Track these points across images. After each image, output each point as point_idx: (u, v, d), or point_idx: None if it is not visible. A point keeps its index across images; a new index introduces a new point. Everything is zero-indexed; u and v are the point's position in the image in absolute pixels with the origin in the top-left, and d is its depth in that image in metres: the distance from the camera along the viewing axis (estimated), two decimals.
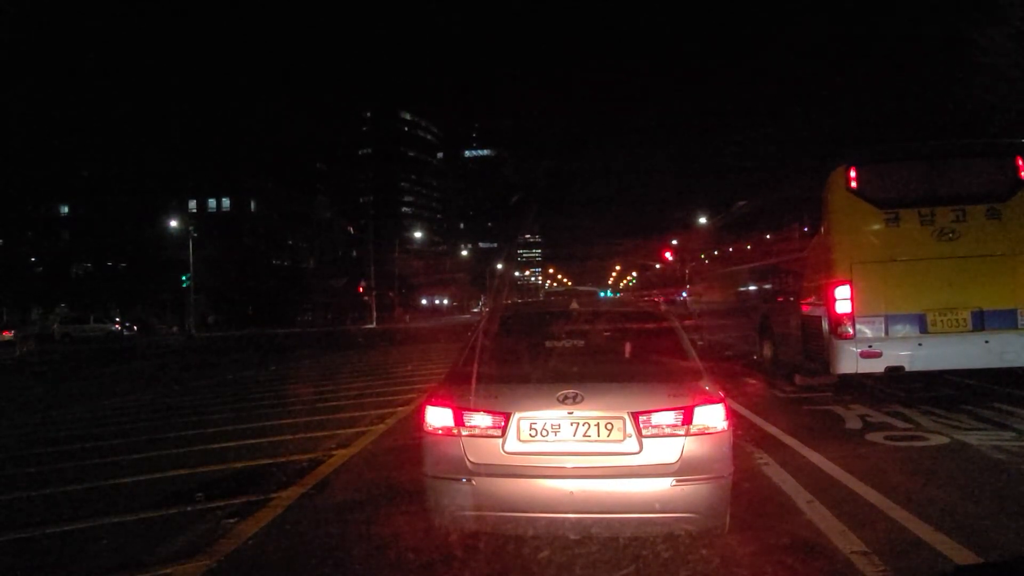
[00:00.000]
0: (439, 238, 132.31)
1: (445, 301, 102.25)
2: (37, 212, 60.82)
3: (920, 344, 8.51)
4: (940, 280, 8.57)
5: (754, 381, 11.51)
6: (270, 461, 6.74)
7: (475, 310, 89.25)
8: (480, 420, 3.82)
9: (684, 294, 26.08)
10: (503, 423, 3.78)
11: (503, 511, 3.76)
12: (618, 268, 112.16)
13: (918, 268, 8.63)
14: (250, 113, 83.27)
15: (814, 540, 4.16)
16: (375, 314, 67.02)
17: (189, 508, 5.25)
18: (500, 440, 3.77)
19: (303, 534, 4.64)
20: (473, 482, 3.76)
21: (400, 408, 9.67)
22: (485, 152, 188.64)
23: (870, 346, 8.53)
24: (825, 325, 8.93)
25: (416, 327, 52.08)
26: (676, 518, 3.71)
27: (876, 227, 8.76)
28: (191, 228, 51.14)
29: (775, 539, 4.20)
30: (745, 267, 13.89)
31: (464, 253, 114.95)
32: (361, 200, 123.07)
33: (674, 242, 45.81)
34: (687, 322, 16.39)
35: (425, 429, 4.00)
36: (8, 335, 41.67)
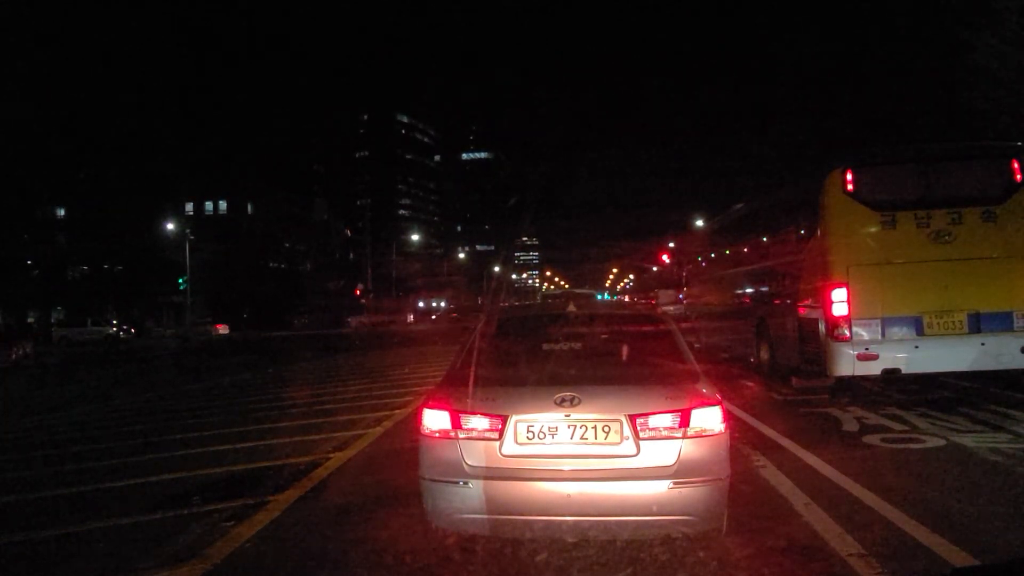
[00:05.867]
0: (436, 241, 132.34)
1: (443, 303, 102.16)
2: (33, 214, 60.65)
3: (916, 346, 8.52)
4: (936, 283, 8.59)
5: (751, 383, 11.52)
6: (267, 464, 6.73)
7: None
8: (477, 423, 3.82)
9: (680, 296, 26.12)
10: (500, 426, 3.77)
11: (500, 514, 3.75)
12: (615, 271, 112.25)
13: (914, 270, 8.65)
14: (247, 115, 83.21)
15: (811, 542, 4.16)
16: (372, 317, 66.92)
17: (186, 511, 5.24)
18: (497, 443, 3.77)
19: (300, 537, 4.63)
20: (470, 485, 3.75)
21: (397, 411, 9.66)
22: (482, 155, 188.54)
23: (867, 348, 8.54)
24: (822, 327, 8.94)
25: (414, 329, 52.03)
26: (674, 520, 3.71)
27: (872, 230, 8.78)
28: (188, 231, 51.09)
29: (772, 541, 4.20)
30: (742, 270, 13.91)
31: (461, 256, 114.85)
32: (358, 202, 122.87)
33: (671, 245, 45.88)
34: (684, 324, 16.41)
35: (422, 432, 3.99)
36: None
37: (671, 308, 27.79)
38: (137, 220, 56.96)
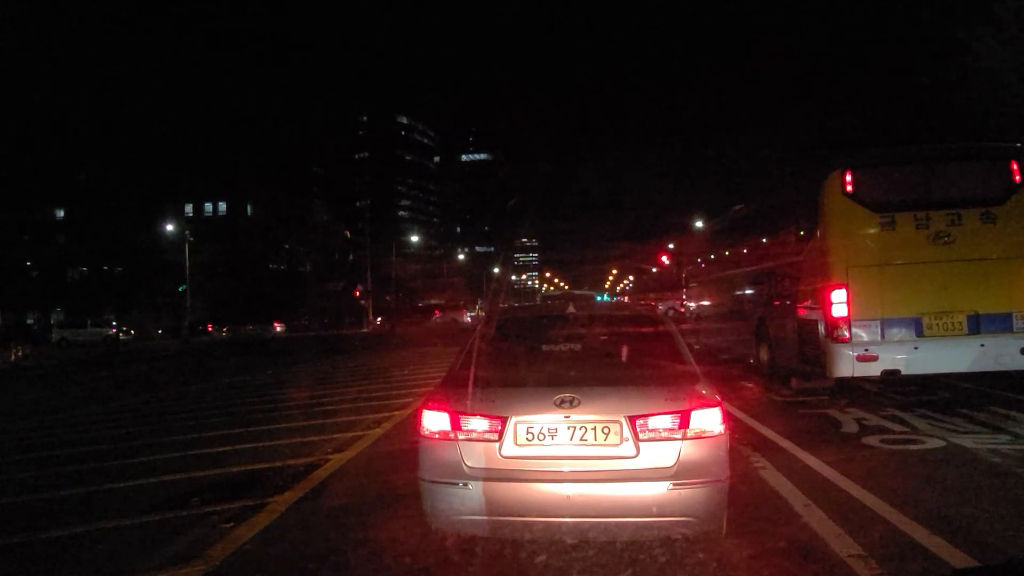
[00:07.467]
0: (436, 242, 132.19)
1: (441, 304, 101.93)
2: (33, 216, 60.71)
3: (916, 348, 8.52)
4: (936, 284, 8.59)
5: (750, 385, 11.51)
6: (266, 465, 6.72)
7: (472, 314, 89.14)
8: (477, 424, 3.82)
9: (684, 297, 26.17)
10: (500, 427, 3.77)
11: (500, 515, 3.75)
12: (615, 272, 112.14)
13: (914, 272, 8.65)
14: (247, 117, 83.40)
15: (811, 544, 4.16)
16: (371, 318, 66.88)
17: (185, 513, 5.24)
18: (497, 444, 3.77)
19: (300, 539, 4.63)
20: (470, 486, 3.75)
21: (397, 412, 9.66)
22: (482, 156, 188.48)
23: (866, 350, 8.54)
24: (821, 329, 8.94)
25: (413, 331, 51.99)
26: (673, 522, 3.71)
27: (872, 231, 8.77)
28: (187, 232, 51.06)
29: (772, 543, 4.21)
30: (742, 271, 13.91)
31: (461, 257, 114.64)
32: (358, 204, 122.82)
33: (671, 246, 45.94)
34: (683, 325, 16.43)
35: (422, 433, 3.99)
36: None
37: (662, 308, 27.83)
38: (137, 221, 57.05)
